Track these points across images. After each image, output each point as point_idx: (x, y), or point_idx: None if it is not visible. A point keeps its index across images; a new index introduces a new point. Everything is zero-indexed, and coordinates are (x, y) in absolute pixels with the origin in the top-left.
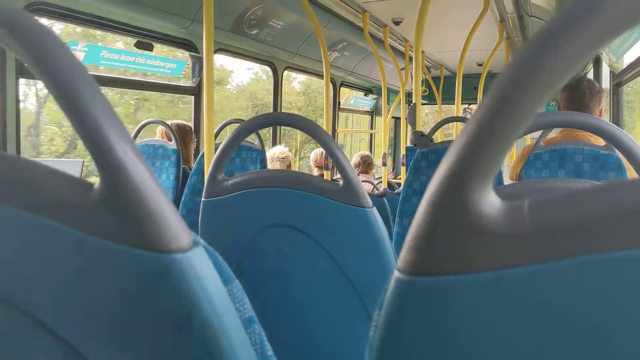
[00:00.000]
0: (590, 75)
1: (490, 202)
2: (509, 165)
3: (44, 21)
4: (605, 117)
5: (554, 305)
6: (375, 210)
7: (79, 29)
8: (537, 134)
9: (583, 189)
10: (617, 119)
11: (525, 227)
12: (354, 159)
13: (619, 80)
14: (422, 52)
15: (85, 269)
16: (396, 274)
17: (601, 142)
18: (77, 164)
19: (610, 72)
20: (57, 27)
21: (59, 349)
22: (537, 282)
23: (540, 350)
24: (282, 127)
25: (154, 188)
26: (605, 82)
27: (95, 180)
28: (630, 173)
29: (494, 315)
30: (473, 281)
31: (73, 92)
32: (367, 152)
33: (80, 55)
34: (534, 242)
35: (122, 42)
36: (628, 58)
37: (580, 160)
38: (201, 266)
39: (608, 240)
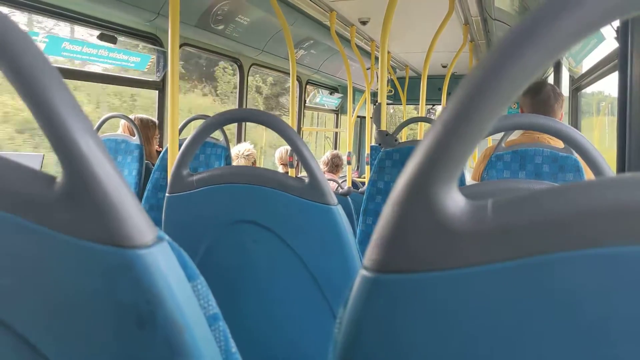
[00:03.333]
0: (551, 79)
1: (455, 201)
2: (471, 166)
3: (4, 10)
4: (565, 121)
5: (518, 303)
6: (340, 208)
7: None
8: (499, 135)
9: (543, 190)
10: (575, 122)
11: (488, 226)
12: (325, 157)
13: (578, 84)
14: (388, 52)
15: (46, 264)
16: (362, 271)
17: (560, 144)
18: (38, 157)
19: (570, 76)
20: (19, 17)
21: (18, 346)
22: (500, 279)
23: (505, 345)
24: (248, 126)
25: (118, 182)
26: (565, 86)
27: (57, 174)
28: (587, 175)
29: (458, 313)
30: (438, 279)
31: (36, 84)
32: (338, 152)
33: (40, 46)
34: (497, 241)
35: (84, 34)
36: (587, 63)
37: (540, 161)
38: (165, 262)
39: (566, 239)
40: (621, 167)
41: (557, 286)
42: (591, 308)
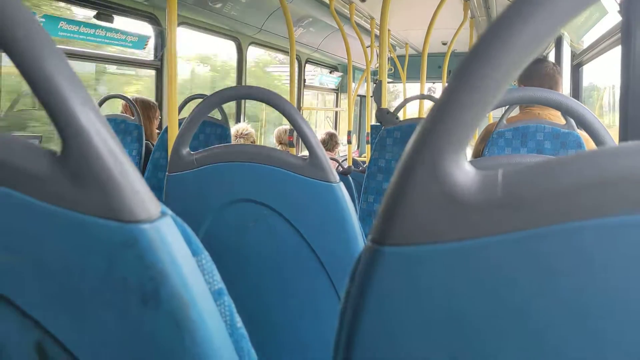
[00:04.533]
0: (552, 55)
1: (464, 171)
2: (471, 144)
3: None
4: None
5: (529, 273)
6: (342, 186)
7: None
8: (499, 113)
9: (553, 160)
10: (577, 98)
11: (498, 196)
12: (320, 136)
13: (579, 60)
14: (388, 30)
15: (49, 240)
16: (368, 243)
17: (561, 120)
18: (35, 140)
19: (572, 52)
20: None
21: (22, 322)
22: (510, 250)
23: (515, 316)
24: (247, 107)
25: (120, 156)
26: (566, 62)
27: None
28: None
29: (467, 284)
30: (447, 250)
31: (33, 56)
32: (333, 130)
33: None
34: (507, 211)
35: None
36: (588, 38)
37: (541, 138)
38: (170, 236)
39: (577, 208)
40: (624, 139)
41: (568, 256)
42: (604, 278)
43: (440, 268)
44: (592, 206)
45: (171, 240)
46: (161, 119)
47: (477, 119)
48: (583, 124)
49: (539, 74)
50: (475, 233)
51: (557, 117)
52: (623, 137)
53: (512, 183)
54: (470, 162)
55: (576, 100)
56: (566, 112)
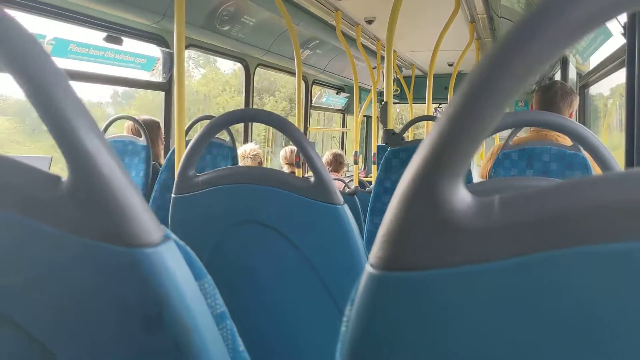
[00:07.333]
0: (558, 76)
1: (462, 197)
2: (478, 164)
3: (11, 13)
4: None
5: (526, 299)
6: (346, 208)
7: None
8: (506, 133)
9: (551, 186)
10: (583, 119)
11: (496, 222)
12: (326, 157)
13: (585, 81)
14: (394, 51)
15: (53, 263)
16: (368, 268)
17: (568, 142)
18: (46, 160)
19: (577, 73)
20: (25, 18)
21: (26, 345)
22: (508, 276)
23: (516, 342)
24: (254, 125)
25: (124, 181)
26: (572, 84)
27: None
28: (596, 172)
29: (466, 310)
30: (444, 276)
31: (42, 85)
32: (339, 151)
33: (47, 48)
34: (504, 237)
35: (91, 36)
36: (594, 60)
37: (547, 159)
38: (172, 261)
39: (575, 235)
40: (629, 163)
41: (566, 283)
42: (601, 305)
43: (441, 293)
44: (592, 233)
45: (174, 265)
46: (168, 139)
47: (474, 145)
48: (588, 148)
49: (541, 97)
50: (474, 259)
51: (564, 139)
52: (629, 159)
53: (509, 209)
54: (473, 185)
55: (581, 125)
56: (571, 136)
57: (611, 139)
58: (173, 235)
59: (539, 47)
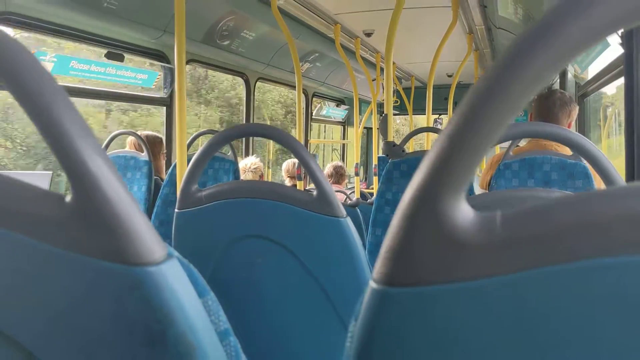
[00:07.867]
0: (557, 86)
1: (463, 213)
2: (478, 174)
3: (11, 32)
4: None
5: (528, 314)
6: (349, 220)
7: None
8: (507, 143)
9: (552, 201)
10: (582, 129)
11: (497, 238)
12: (327, 169)
13: (584, 91)
14: (393, 63)
15: (56, 283)
16: (371, 284)
17: (568, 151)
18: (46, 176)
19: (576, 83)
20: (25, 36)
21: None
22: (510, 291)
23: (519, 356)
24: (255, 139)
25: (127, 200)
26: (571, 93)
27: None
28: (597, 180)
29: (468, 326)
30: (447, 292)
31: (43, 104)
32: (339, 163)
33: (49, 66)
34: (506, 252)
35: (92, 53)
36: (593, 69)
37: (548, 169)
38: (175, 279)
39: (576, 249)
40: (630, 173)
41: (567, 297)
42: (604, 319)
43: (444, 308)
44: (594, 247)
45: (177, 283)
46: (169, 153)
47: (476, 160)
48: (588, 158)
49: (540, 106)
50: (477, 274)
51: (563, 148)
52: (629, 169)
53: (511, 224)
54: (475, 197)
55: (581, 135)
56: (571, 147)
57: (610, 141)
58: (176, 253)
59: (541, 62)
